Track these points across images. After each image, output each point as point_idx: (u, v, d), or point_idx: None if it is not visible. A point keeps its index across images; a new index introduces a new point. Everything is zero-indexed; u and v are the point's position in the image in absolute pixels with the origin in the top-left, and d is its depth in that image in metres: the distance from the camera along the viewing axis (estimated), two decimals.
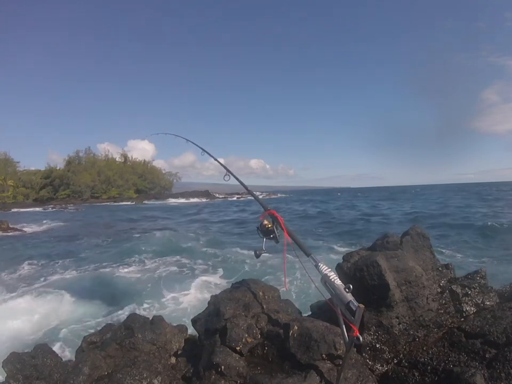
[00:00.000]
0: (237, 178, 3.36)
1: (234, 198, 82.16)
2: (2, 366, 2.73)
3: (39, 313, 7.61)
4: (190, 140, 4.34)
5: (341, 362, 2.13)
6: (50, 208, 61.93)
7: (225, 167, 3.46)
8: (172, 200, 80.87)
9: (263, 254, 2.71)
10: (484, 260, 11.62)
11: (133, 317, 3.10)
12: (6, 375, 2.67)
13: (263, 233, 2.71)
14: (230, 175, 3.37)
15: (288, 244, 2.45)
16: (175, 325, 3.30)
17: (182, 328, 3.24)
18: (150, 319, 3.14)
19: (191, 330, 3.24)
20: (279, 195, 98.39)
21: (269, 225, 2.68)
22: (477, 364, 2.28)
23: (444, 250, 12.88)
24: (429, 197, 55.78)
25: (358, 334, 1.80)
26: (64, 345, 5.99)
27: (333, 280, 1.96)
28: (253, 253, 2.79)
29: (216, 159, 3.84)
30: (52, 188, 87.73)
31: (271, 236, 2.69)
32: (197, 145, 4.10)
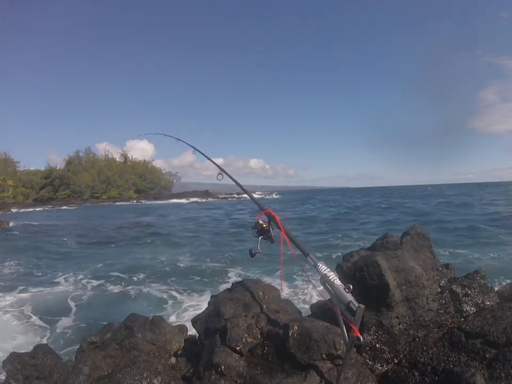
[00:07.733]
0: (231, 177, 3.23)
1: (235, 198, 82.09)
2: (2, 366, 2.73)
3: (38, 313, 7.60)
4: (181, 139, 4.27)
5: (341, 362, 2.13)
6: (50, 208, 61.93)
7: (218, 166, 3.33)
8: (172, 200, 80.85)
9: (259, 254, 2.69)
10: None
11: (133, 316, 3.10)
12: (6, 375, 2.67)
13: (258, 232, 2.67)
14: (223, 174, 3.26)
15: (285, 244, 2.43)
16: (175, 325, 3.30)
17: (182, 328, 3.24)
18: (150, 319, 3.14)
19: (191, 331, 3.23)
20: (274, 195, 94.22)
21: (264, 225, 2.65)
22: (477, 363, 2.28)
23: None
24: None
25: (358, 334, 1.80)
26: (64, 345, 5.98)
27: (332, 280, 1.95)
28: (248, 252, 2.76)
29: (208, 158, 3.68)
30: (52, 187, 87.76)
31: (266, 235, 2.65)
32: (188, 144, 4.02)
